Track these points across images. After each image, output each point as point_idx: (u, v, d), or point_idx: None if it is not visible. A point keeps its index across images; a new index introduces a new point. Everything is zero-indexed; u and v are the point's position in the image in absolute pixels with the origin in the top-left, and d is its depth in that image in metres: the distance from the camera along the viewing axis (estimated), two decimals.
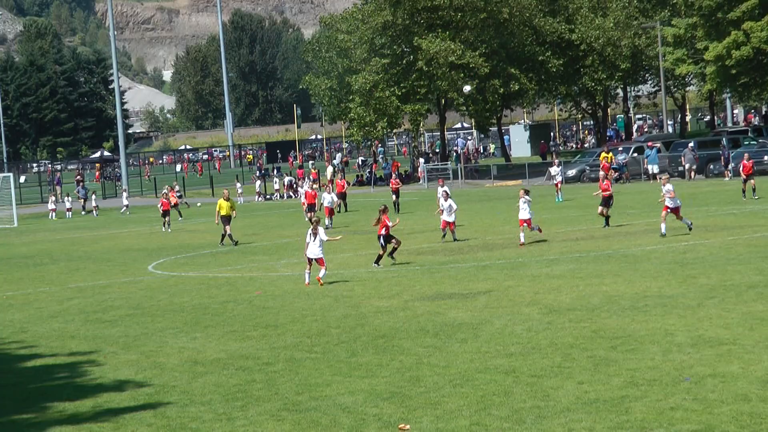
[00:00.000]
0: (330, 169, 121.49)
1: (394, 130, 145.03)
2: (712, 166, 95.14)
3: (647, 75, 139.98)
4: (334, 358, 26.67)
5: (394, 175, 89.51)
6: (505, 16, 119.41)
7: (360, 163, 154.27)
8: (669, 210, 48.56)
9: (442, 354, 26.27)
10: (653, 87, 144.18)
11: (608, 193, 54.65)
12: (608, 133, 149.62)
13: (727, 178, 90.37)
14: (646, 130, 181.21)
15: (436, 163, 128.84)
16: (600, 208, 54.70)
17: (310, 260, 40.33)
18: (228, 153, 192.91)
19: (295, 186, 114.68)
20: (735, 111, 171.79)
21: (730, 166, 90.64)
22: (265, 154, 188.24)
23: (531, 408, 20.51)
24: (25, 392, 25.40)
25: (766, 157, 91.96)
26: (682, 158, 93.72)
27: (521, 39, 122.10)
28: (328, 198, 69.76)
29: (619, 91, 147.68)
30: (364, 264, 47.13)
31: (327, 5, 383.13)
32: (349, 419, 20.71)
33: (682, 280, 35.41)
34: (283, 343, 29.22)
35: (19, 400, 24.57)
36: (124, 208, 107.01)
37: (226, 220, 60.01)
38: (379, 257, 44.89)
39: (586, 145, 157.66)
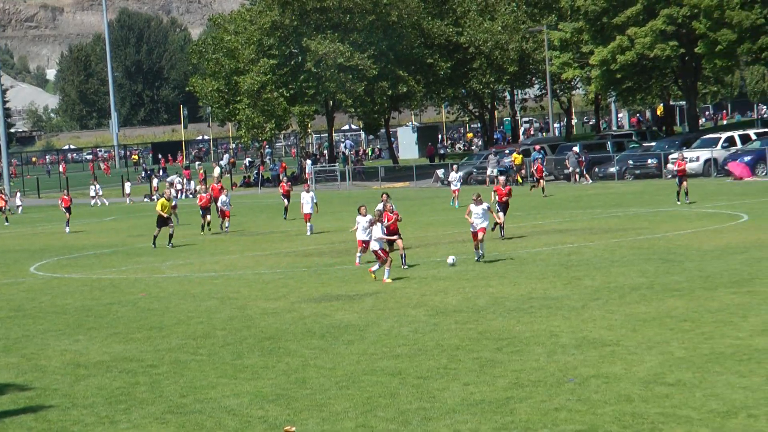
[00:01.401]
0: (217, 170, 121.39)
1: (282, 132, 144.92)
2: (597, 169, 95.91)
3: (534, 78, 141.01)
4: (220, 360, 26.60)
5: (285, 179, 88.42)
6: (394, 19, 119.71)
7: (247, 164, 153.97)
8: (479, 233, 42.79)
9: (329, 356, 26.29)
10: (540, 90, 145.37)
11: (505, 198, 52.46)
12: (495, 136, 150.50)
13: (588, 182, 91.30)
14: (532, 133, 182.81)
15: (323, 164, 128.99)
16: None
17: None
18: (112, 153, 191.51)
19: (180, 186, 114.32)
20: (620, 115, 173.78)
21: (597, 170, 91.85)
22: (151, 155, 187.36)
23: (417, 409, 20.59)
24: None
25: (650, 161, 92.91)
26: (567, 161, 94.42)
27: (409, 41, 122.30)
28: (222, 199, 66.80)
29: (507, 94, 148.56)
30: (251, 265, 47.00)
31: (215, 5, 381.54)
32: (234, 421, 20.68)
33: (567, 281, 35.70)
34: (167, 346, 29.08)
35: None
36: (19, 208, 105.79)
37: (164, 221, 58.50)
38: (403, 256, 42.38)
39: (473, 148, 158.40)
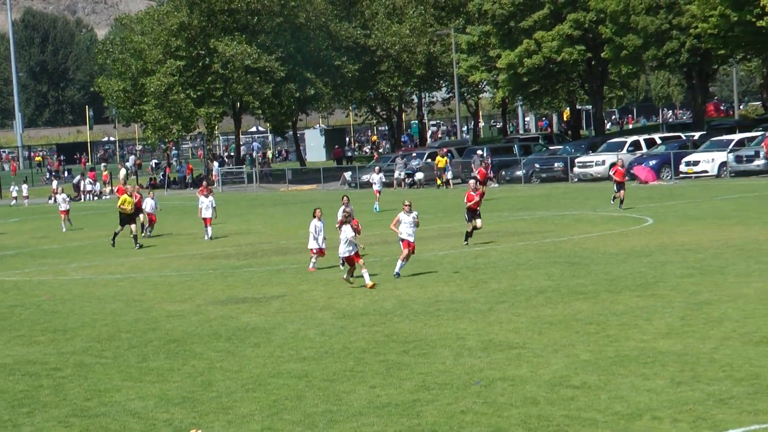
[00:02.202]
0: (123, 172, 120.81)
1: (189, 134, 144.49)
2: (504, 172, 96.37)
3: (442, 81, 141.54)
4: (125, 363, 26.45)
5: (204, 183, 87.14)
6: (302, 21, 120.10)
7: (153, 165, 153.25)
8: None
9: (235, 358, 26.24)
10: (447, 93, 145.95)
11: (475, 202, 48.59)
12: (403, 139, 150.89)
13: (495, 185, 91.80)
14: (440, 136, 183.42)
15: (230, 166, 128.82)
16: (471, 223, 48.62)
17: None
18: (17, 154, 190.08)
19: (82, 187, 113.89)
20: (527, 118, 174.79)
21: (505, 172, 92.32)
22: (55, 156, 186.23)
23: (323, 412, 20.58)
24: None
25: (556, 164, 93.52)
26: (472, 164, 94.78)
27: (317, 44, 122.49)
28: (150, 203, 64.02)
29: (414, 97, 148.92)
30: (157, 268, 46.84)
31: (121, 6, 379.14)
32: (140, 425, 20.57)
33: (474, 284, 35.82)
34: (72, 348, 28.86)
35: None
36: None
37: (128, 219, 56.86)
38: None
39: (380, 150, 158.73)
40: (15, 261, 54.01)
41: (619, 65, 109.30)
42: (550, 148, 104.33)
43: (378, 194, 75.13)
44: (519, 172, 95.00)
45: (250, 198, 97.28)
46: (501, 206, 68.99)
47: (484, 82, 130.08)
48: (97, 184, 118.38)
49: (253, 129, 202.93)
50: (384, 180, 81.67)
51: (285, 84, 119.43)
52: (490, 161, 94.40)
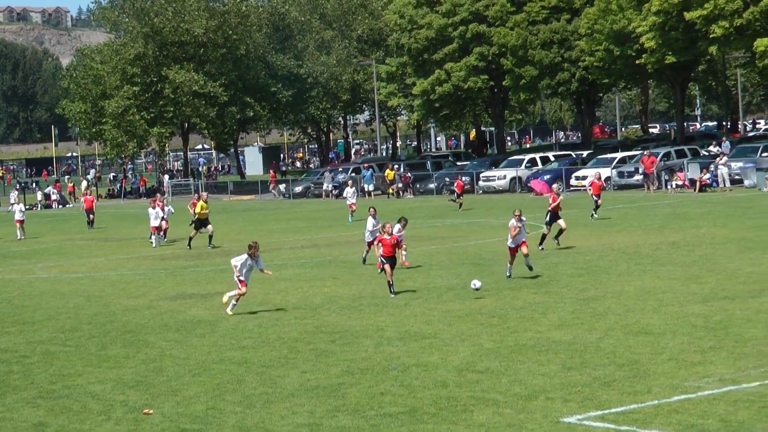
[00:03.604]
0: (84, 183, 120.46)
1: (143, 150, 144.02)
2: (418, 185, 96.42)
3: (364, 105, 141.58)
4: (86, 351, 26.32)
5: (158, 195, 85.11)
6: (242, 52, 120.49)
7: (111, 178, 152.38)
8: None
9: (183, 347, 26.16)
10: (369, 116, 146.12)
11: None
12: (330, 156, 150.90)
13: (411, 196, 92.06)
14: (362, 153, 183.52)
15: (179, 179, 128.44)
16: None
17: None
18: None
19: (51, 196, 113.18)
20: (438, 138, 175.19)
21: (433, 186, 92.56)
22: (24, 169, 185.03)
23: (260, 394, 20.54)
24: None
25: (464, 178, 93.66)
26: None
27: (256, 72, 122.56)
28: (153, 213, 58.94)
29: (340, 118, 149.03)
30: (114, 267, 46.50)
31: (83, 38, 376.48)
32: (98, 405, 20.46)
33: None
34: (39, 338, 28.69)
35: None
36: None
37: (202, 223, 54.13)
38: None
39: (311, 166, 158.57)
40: None
41: (518, 93, 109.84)
42: (458, 164, 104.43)
43: (352, 207, 69.58)
44: (431, 185, 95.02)
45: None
46: (416, 215, 68.97)
47: (401, 107, 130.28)
48: (62, 194, 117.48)
49: (199, 146, 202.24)
50: (357, 194, 75.80)
51: (227, 107, 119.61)
52: (405, 174, 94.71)
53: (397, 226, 37.06)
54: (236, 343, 26.36)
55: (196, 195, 66.52)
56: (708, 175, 77.71)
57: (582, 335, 24.75)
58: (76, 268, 47.15)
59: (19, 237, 64.79)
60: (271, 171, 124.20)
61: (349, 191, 72.08)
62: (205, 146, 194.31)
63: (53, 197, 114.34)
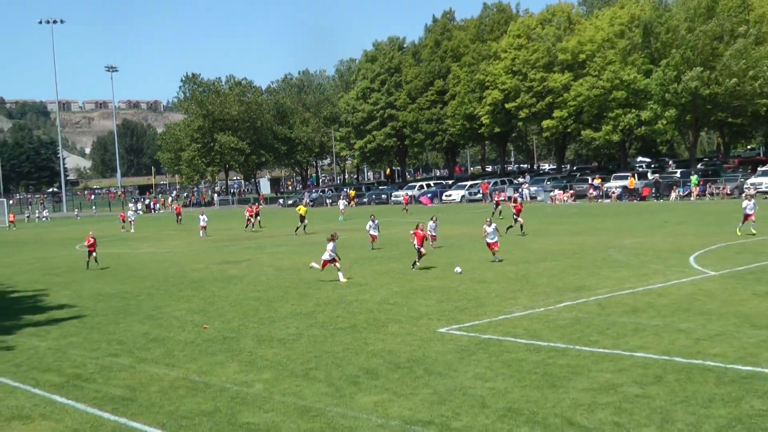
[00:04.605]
0: (170, 198, 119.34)
1: (203, 180, 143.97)
2: (357, 199, 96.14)
3: (327, 155, 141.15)
4: (170, 292, 26.05)
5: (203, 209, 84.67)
6: (258, 125, 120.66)
7: (185, 195, 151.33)
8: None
9: (225, 291, 25.94)
10: (330, 161, 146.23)
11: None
12: (308, 183, 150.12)
13: (354, 206, 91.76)
14: (326, 181, 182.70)
15: (222, 196, 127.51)
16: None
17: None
18: (117, 191, 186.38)
19: (151, 206, 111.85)
20: (369, 173, 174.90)
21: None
22: (138, 192, 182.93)
23: (269, 317, 20.52)
24: None
25: (383, 195, 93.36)
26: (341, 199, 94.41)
27: (266, 136, 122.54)
28: (246, 215, 55.89)
29: (314, 162, 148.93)
30: (186, 246, 45.94)
31: (170, 117, 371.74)
32: (178, 323, 20.35)
33: (344, 255, 35.64)
34: (144, 285, 28.34)
35: None
36: None
37: (301, 219, 49.99)
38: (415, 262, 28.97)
39: (298, 187, 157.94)
40: (114, 243, 52.86)
41: (413, 148, 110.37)
42: (380, 188, 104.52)
43: (342, 211, 65.73)
44: (365, 199, 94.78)
45: (231, 212, 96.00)
46: (360, 216, 68.82)
47: (348, 156, 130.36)
48: (157, 205, 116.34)
49: (235, 177, 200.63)
50: (346, 203, 72.11)
51: (250, 156, 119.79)
52: (353, 196, 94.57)
53: (431, 224, 35.19)
54: (254, 288, 26.23)
55: (250, 204, 65.06)
56: (518, 194, 78.31)
57: (447, 283, 24.87)
58: (163, 247, 46.75)
59: (132, 230, 64.09)
60: (260, 194, 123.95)
61: (341, 202, 68.80)
62: (237, 177, 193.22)
63: (153, 207, 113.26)
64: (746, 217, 34.46)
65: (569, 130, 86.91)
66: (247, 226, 55.98)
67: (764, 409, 11.39)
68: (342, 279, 26.23)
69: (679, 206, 59.10)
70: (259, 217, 56.62)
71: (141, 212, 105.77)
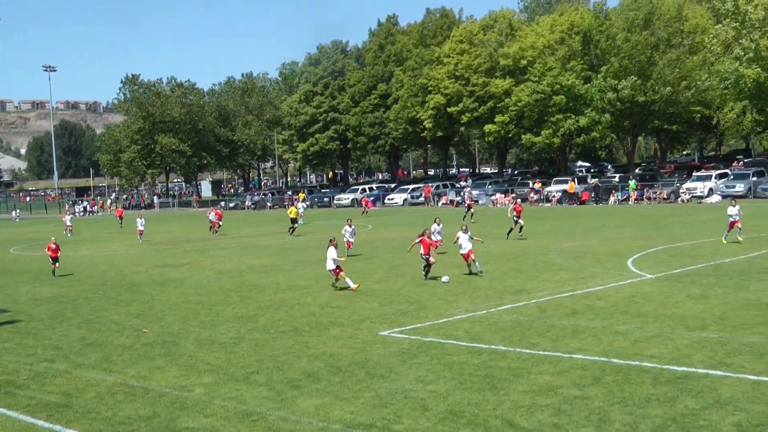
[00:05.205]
0: (109, 201, 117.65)
1: (143, 182, 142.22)
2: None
3: (270, 157, 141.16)
4: (109, 296, 25.67)
5: (140, 212, 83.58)
6: (200, 127, 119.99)
7: (124, 198, 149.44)
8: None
9: (165, 294, 25.62)
10: (272, 164, 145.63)
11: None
12: (250, 186, 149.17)
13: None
14: (269, 184, 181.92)
15: (163, 198, 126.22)
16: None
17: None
18: (55, 193, 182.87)
19: (89, 209, 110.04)
20: (311, 176, 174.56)
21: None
22: (74, 193, 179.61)
23: (209, 321, 20.31)
24: None
25: (325, 199, 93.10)
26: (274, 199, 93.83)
27: (208, 138, 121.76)
28: (212, 216, 53.17)
29: (256, 165, 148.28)
30: (126, 248, 45.27)
31: (109, 118, 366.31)
32: (116, 327, 20.05)
33: (285, 257, 35.38)
34: (82, 288, 27.84)
35: None
36: None
37: (293, 221, 48.39)
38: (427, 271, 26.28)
39: (240, 189, 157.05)
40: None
41: (356, 152, 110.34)
42: (323, 191, 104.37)
43: (302, 214, 59.97)
44: (308, 202, 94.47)
45: (172, 215, 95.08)
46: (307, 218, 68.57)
47: (291, 159, 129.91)
48: (95, 206, 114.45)
49: (176, 180, 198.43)
50: (305, 206, 67.20)
51: (191, 158, 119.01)
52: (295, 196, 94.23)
53: (435, 227, 31.89)
54: (195, 291, 25.96)
55: (213, 208, 60.67)
56: (460, 197, 78.85)
57: (390, 286, 24.91)
58: (102, 250, 46.01)
59: (69, 235, 62.28)
60: (195, 196, 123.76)
61: (299, 204, 63.84)
62: (178, 180, 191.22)
63: (90, 209, 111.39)
64: (732, 224, 32.70)
65: (510, 134, 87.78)
66: (214, 229, 53.93)
67: (698, 408, 11.61)
68: (352, 285, 24.04)
69: (618, 210, 60.09)
70: (220, 222, 54.10)
71: (80, 215, 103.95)
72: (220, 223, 52.97)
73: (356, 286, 24.02)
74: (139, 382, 14.62)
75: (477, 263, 26.61)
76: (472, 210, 55.14)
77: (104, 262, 37.85)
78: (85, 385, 14.59)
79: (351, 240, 34.55)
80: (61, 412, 12.98)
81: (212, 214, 53.86)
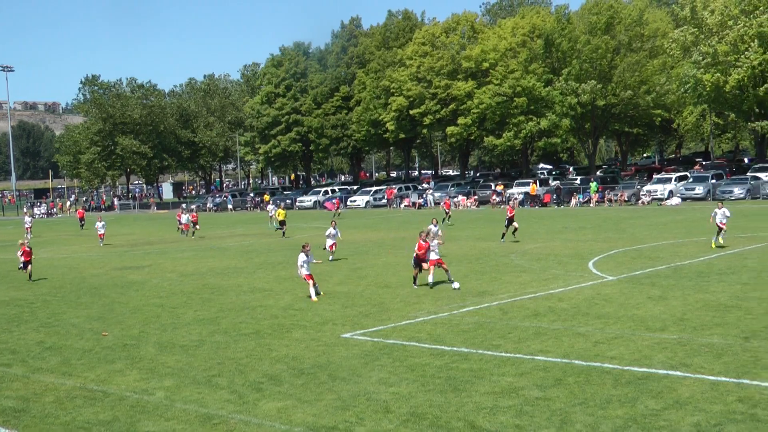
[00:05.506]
0: (68, 203, 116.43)
1: (103, 184, 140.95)
2: (263, 204, 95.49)
3: (231, 159, 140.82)
4: (68, 299, 25.33)
5: (102, 214, 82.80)
6: (161, 129, 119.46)
7: (84, 200, 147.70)
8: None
9: (125, 297, 25.36)
10: (234, 165, 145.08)
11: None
12: (212, 188, 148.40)
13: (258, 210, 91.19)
14: (231, 186, 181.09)
15: (124, 200, 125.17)
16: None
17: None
18: (12, 195, 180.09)
19: (52, 210, 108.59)
20: (273, 178, 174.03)
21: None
22: (33, 197, 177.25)
23: (171, 323, 20.16)
24: None
25: (288, 201, 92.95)
26: (248, 200, 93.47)
27: (169, 140, 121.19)
28: (186, 217, 52.28)
29: (218, 167, 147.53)
30: (86, 251, 44.77)
31: (69, 119, 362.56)
32: (75, 330, 19.80)
33: (247, 259, 35.29)
34: (40, 292, 27.44)
35: None
36: None
37: (281, 224, 47.23)
38: (414, 278, 24.77)
39: (202, 191, 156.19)
40: (7, 248, 51.00)
41: (318, 154, 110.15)
42: (285, 192, 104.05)
43: (271, 217, 58.33)
44: (271, 204, 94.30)
45: (133, 217, 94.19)
46: (265, 221, 68.32)
47: (252, 161, 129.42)
48: (54, 208, 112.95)
49: (137, 182, 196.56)
50: (275, 207, 61.90)
51: (153, 160, 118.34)
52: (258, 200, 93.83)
53: (432, 228, 29.73)
54: (156, 294, 25.74)
55: (181, 208, 59.24)
56: (422, 200, 79.05)
57: (352, 289, 24.89)
58: (62, 252, 45.43)
59: (29, 237, 61.57)
60: (152, 198, 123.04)
61: (270, 207, 61.77)
62: (138, 182, 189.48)
63: (49, 211, 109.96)
64: (720, 227, 31.46)
65: (473, 137, 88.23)
66: (186, 231, 52.77)
67: (658, 408, 11.74)
68: (313, 296, 22.83)
69: (579, 212, 60.63)
70: (197, 225, 52.49)
71: (40, 216, 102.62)
72: (198, 226, 51.77)
73: (316, 299, 22.63)
74: (98, 386, 14.45)
75: (436, 274, 24.88)
76: (449, 213, 54.95)
77: (63, 265, 37.38)
78: (43, 389, 14.39)
79: (334, 242, 33.37)
80: (18, 417, 12.79)
81: (185, 216, 53.18)
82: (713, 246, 31.09)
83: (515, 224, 38.00)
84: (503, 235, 38.27)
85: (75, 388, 14.37)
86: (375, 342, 16.91)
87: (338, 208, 71.41)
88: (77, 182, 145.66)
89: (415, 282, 24.52)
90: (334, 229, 33.67)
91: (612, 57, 77.29)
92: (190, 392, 13.72)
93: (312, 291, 22.96)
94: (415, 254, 24.45)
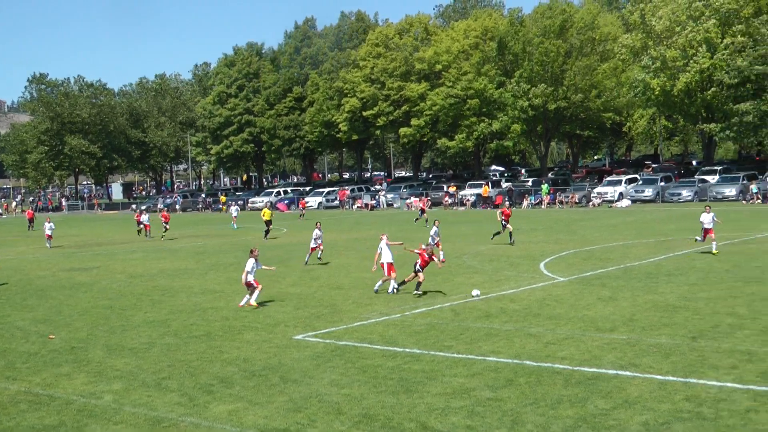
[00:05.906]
0: (14, 203, 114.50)
1: (50, 184, 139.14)
2: (214, 205, 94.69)
3: (183, 160, 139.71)
4: (13, 301, 24.85)
5: (49, 214, 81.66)
6: (111, 128, 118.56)
7: (31, 200, 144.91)
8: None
9: (73, 299, 24.98)
10: (186, 166, 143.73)
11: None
12: (162, 188, 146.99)
13: (211, 212, 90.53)
14: (182, 187, 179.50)
15: (72, 201, 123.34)
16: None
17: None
18: None
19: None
20: (225, 179, 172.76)
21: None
22: None
23: (120, 326, 19.90)
24: None
25: (241, 201, 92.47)
26: (200, 202, 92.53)
27: (120, 139, 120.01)
28: (145, 217, 51.42)
29: (169, 167, 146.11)
30: (33, 252, 44.01)
31: (15, 118, 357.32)
32: (21, 333, 19.44)
33: (198, 261, 35.03)
34: None
35: None
36: None
37: (268, 224, 45.93)
38: (404, 281, 23.72)
39: (153, 192, 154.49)
40: None
41: (271, 154, 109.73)
42: (237, 194, 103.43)
43: (235, 218, 58.53)
44: (221, 205, 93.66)
45: (81, 218, 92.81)
46: (221, 222, 67.81)
47: (204, 161, 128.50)
48: (0, 209, 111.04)
49: (85, 182, 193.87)
50: (238, 209, 62.14)
51: (102, 160, 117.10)
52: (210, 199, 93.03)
53: (434, 229, 30.52)
54: (104, 296, 25.38)
55: (138, 210, 57.28)
56: (375, 201, 79.12)
57: (305, 290, 24.83)
58: (7, 253, 44.59)
59: None
60: (95, 200, 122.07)
61: (232, 208, 60.57)
62: (87, 182, 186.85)
63: None
64: (705, 233, 30.06)
65: (425, 138, 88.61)
66: (148, 232, 51.50)
67: (608, 408, 11.89)
68: (252, 301, 21.89)
69: (531, 214, 61.16)
70: (167, 225, 51.03)
71: None
72: (167, 226, 50.48)
73: (255, 305, 21.67)
74: (44, 389, 14.21)
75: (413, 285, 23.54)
76: (425, 215, 52.26)
77: (9, 266, 36.66)
78: None
79: (321, 243, 32.16)
80: None
81: (145, 216, 52.20)
82: (714, 252, 29.55)
83: (510, 227, 36.72)
84: (510, 235, 36.63)
85: (20, 392, 14.12)
86: (327, 344, 16.87)
87: (304, 208, 71.01)
88: (24, 182, 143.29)
89: (402, 283, 23.58)
90: (320, 230, 32.39)
91: (564, 60, 78.14)
92: (140, 395, 13.55)
93: (255, 295, 21.93)
94: (416, 263, 22.95)
